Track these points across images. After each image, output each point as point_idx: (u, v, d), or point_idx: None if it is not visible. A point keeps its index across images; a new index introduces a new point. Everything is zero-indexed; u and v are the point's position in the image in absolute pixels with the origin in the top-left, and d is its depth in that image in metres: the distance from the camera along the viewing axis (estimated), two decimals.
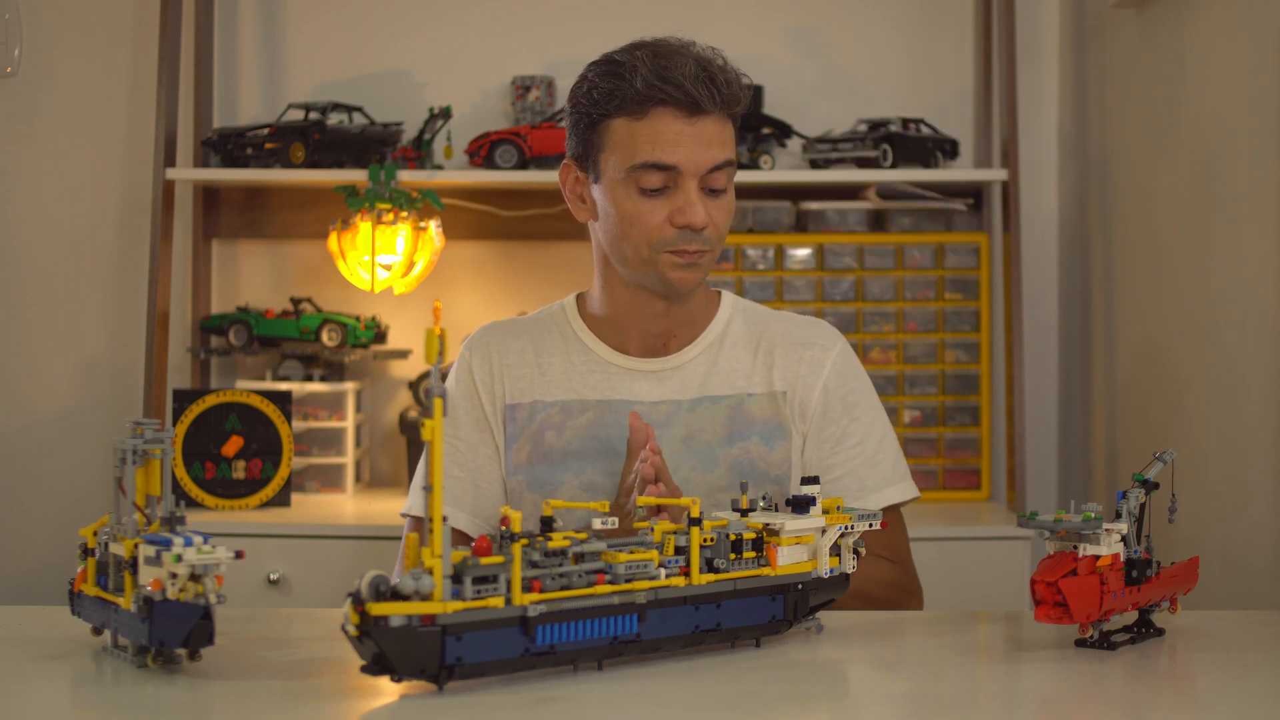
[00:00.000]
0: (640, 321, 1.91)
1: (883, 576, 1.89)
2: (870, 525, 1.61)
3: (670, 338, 1.93)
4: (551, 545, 1.40)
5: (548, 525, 1.44)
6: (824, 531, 1.58)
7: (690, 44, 1.85)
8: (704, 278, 1.87)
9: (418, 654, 1.31)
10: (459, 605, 1.32)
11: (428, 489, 1.31)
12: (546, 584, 1.38)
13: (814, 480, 1.58)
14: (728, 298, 2.00)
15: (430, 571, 1.31)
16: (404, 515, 1.95)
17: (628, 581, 1.43)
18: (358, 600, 1.30)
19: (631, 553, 1.44)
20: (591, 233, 1.93)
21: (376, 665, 1.33)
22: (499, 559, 1.34)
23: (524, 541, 1.38)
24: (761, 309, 2.01)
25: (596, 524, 1.48)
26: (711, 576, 1.49)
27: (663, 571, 1.46)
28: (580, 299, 1.99)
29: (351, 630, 1.30)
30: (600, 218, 1.88)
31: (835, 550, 1.60)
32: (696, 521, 1.47)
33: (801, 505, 1.56)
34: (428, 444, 1.32)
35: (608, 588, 1.41)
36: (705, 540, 1.49)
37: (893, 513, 1.93)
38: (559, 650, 1.39)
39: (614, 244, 1.86)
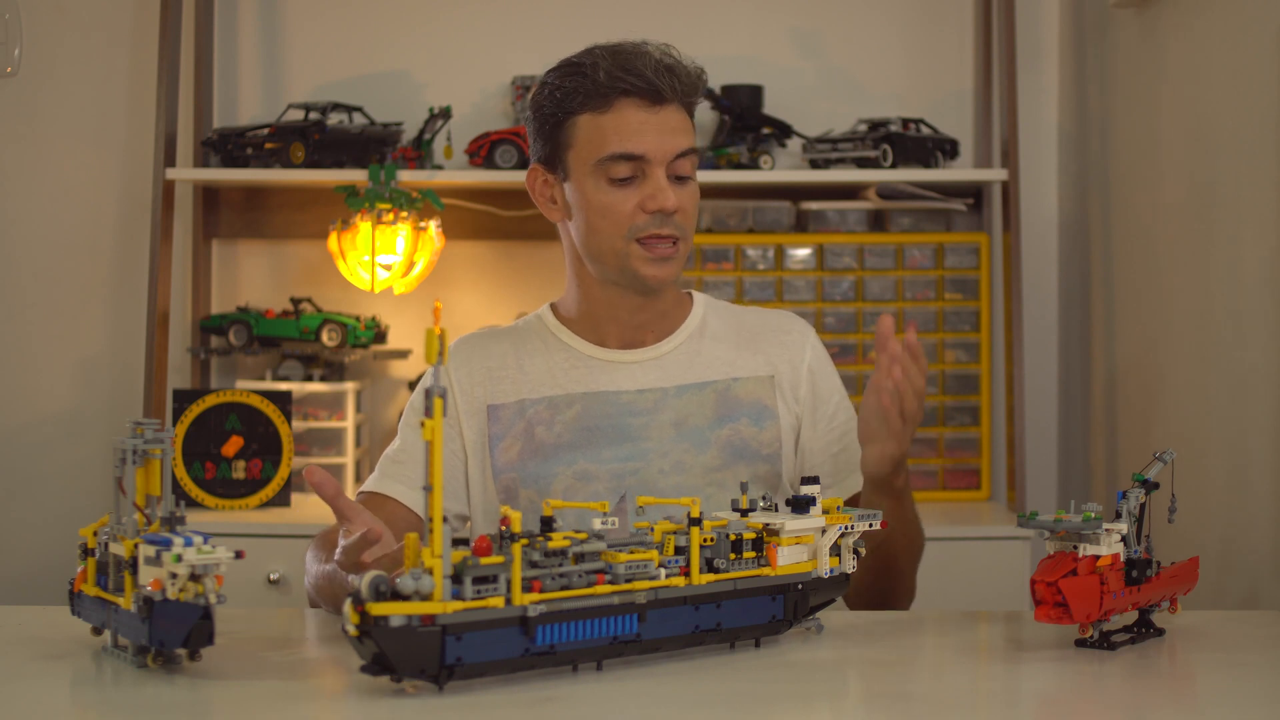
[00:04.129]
0: (617, 317, 1.94)
1: (920, 544, 1.94)
2: (870, 525, 1.61)
3: (648, 332, 1.96)
4: (551, 545, 1.40)
5: (548, 525, 1.45)
6: (824, 531, 1.58)
7: (643, 43, 1.88)
8: (678, 273, 1.90)
9: (418, 654, 1.31)
10: (459, 605, 1.32)
11: (427, 489, 1.31)
12: (546, 584, 1.38)
13: (814, 480, 1.59)
14: (699, 297, 2.04)
15: (430, 571, 1.31)
16: (361, 492, 1.94)
17: (628, 581, 1.43)
18: (357, 600, 1.30)
19: (631, 553, 1.44)
20: (563, 233, 1.95)
21: (376, 665, 1.33)
22: (499, 559, 1.34)
23: (524, 541, 1.38)
24: (732, 305, 2.06)
25: (596, 524, 1.48)
26: (711, 576, 1.49)
27: (663, 572, 1.46)
28: (553, 307, 2.02)
29: (351, 630, 1.30)
30: (573, 215, 1.90)
31: (835, 550, 1.60)
32: (696, 521, 1.47)
33: (801, 505, 1.56)
34: (427, 444, 1.32)
35: (608, 588, 1.42)
36: (705, 540, 1.50)
37: None
38: (559, 650, 1.39)
39: (587, 239, 1.88)
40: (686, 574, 1.47)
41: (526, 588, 1.36)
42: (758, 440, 1.92)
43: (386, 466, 1.93)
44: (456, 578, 1.32)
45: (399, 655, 1.30)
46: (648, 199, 1.84)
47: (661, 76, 1.83)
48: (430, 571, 1.31)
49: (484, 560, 1.33)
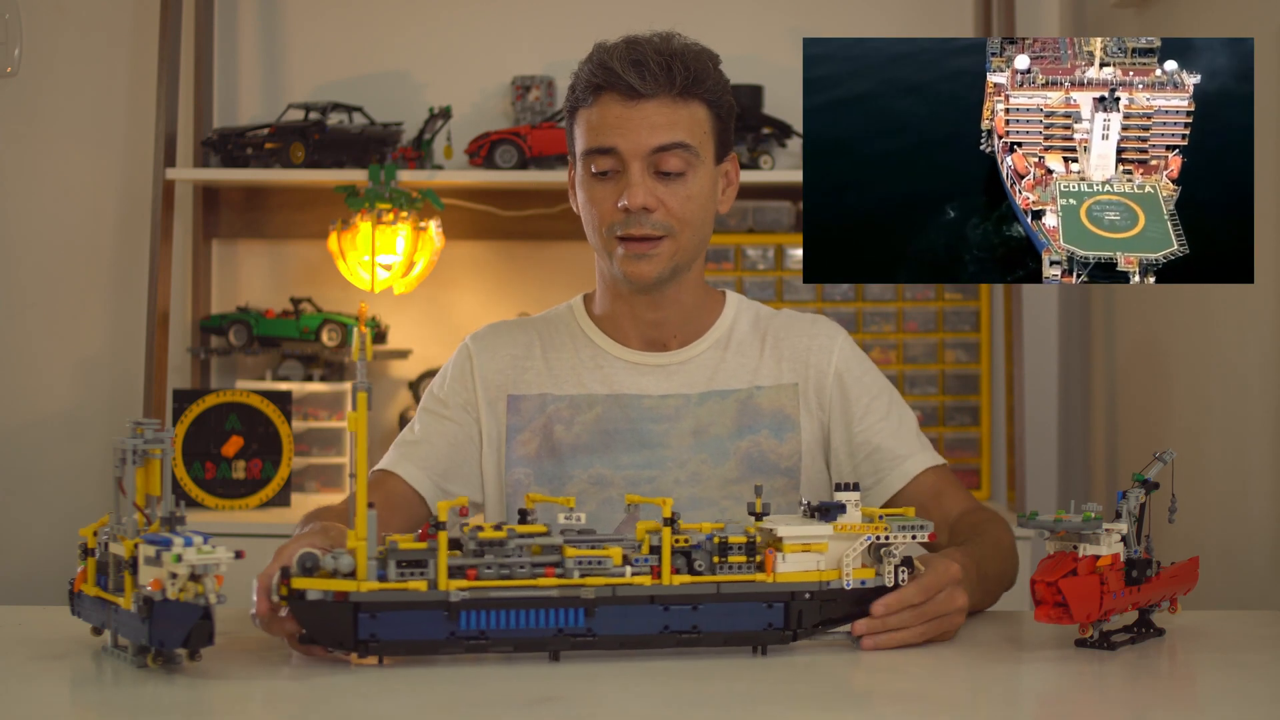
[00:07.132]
0: (634, 314, 1.93)
1: (1010, 540, 1.85)
2: (914, 537, 1.53)
3: (670, 334, 1.94)
4: (482, 535, 1.44)
5: (523, 517, 1.50)
6: (837, 539, 1.52)
7: (666, 35, 1.87)
8: (662, 270, 1.85)
9: (332, 627, 1.40)
10: (376, 585, 1.40)
11: (353, 476, 1.41)
12: (483, 573, 1.43)
13: (852, 487, 1.53)
14: (732, 297, 2.01)
15: (352, 552, 1.40)
16: (376, 469, 1.94)
17: (583, 576, 1.44)
18: (284, 575, 1.39)
19: (591, 549, 1.45)
20: None
21: (309, 637, 1.43)
22: (422, 545, 1.42)
23: (459, 531, 1.45)
24: (764, 308, 2.03)
25: (561, 519, 1.49)
26: (688, 578, 1.48)
27: (627, 569, 1.45)
28: (586, 299, 2.02)
29: (278, 601, 1.39)
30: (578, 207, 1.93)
31: (873, 561, 1.54)
32: (670, 522, 1.47)
33: (828, 512, 1.52)
34: (353, 434, 1.40)
35: (553, 580, 1.44)
36: (680, 541, 1.48)
37: (941, 471, 1.92)
38: (491, 636, 1.43)
39: (587, 233, 1.91)
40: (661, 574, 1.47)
41: (461, 575, 1.41)
42: (777, 453, 1.90)
43: (403, 448, 1.93)
44: (384, 561, 1.41)
45: (313, 627, 1.40)
46: (620, 195, 1.83)
47: (628, 69, 1.81)
48: (353, 552, 1.39)
49: (402, 544, 1.42)
